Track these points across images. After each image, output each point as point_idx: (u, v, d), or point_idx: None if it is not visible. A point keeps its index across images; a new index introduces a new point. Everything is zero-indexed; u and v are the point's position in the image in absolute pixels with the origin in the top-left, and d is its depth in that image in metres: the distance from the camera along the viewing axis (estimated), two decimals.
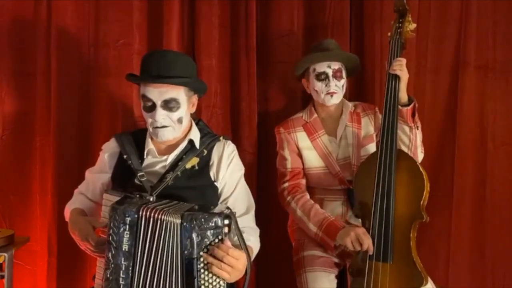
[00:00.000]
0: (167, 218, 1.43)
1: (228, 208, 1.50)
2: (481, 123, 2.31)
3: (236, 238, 1.48)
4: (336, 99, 2.07)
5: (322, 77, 2.05)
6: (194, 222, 1.41)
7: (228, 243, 1.42)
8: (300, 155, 2.10)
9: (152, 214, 1.44)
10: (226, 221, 1.42)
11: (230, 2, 2.34)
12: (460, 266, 2.30)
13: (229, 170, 1.74)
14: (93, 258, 2.16)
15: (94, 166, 1.82)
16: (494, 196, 2.29)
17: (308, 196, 2.04)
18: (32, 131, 2.26)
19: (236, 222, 1.46)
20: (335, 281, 1.91)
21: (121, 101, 2.25)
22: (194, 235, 1.41)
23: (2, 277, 1.91)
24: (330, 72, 2.04)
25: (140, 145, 1.74)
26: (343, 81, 2.08)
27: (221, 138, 1.80)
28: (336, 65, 2.05)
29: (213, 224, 1.41)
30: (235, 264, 1.41)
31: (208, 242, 1.42)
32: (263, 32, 2.37)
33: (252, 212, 1.75)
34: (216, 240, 1.42)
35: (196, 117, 1.90)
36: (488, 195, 2.29)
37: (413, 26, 1.97)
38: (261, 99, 2.36)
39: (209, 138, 1.79)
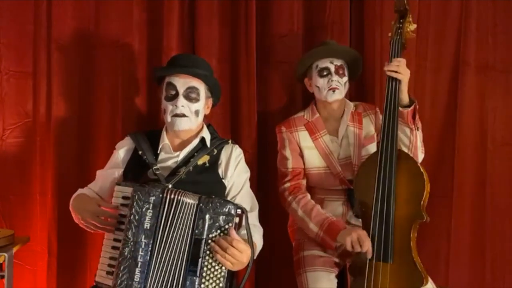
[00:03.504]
0: (186, 200, 1.55)
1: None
2: (481, 123, 2.31)
3: (243, 232, 1.57)
4: (338, 94, 2.06)
5: (324, 72, 2.05)
6: (210, 205, 1.53)
7: (234, 234, 1.51)
8: (301, 154, 2.09)
9: (174, 196, 1.55)
10: (239, 211, 1.55)
11: (230, 2, 2.33)
12: (460, 266, 2.30)
13: (236, 171, 1.84)
14: (94, 258, 2.19)
15: (106, 165, 1.89)
16: (494, 196, 2.30)
17: (309, 197, 2.04)
18: (32, 131, 2.25)
19: (247, 217, 1.56)
20: (335, 281, 1.91)
21: (121, 101, 2.25)
22: (207, 217, 1.52)
23: (2, 277, 1.90)
24: (332, 68, 2.05)
25: (154, 143, 1.85)
26: (345, 79, 2.08)
27: (229, 141, 1.92)
28: (338, 62, 2.06)
29: (226, 210, 1.53)
30: (239, 256, 1.51)
31: (218, 226, 1.52)
32: (263, 32, 2.37)
33: (256, 212, 1.84)
34: (226, 226, 1.52)
35: (207, 122, 1.99)
36: (488, 195, 2.29)
37: (413, 26, 1.97)
38: (261, 99, 2.36)
39: (218, 140, 1.90)
